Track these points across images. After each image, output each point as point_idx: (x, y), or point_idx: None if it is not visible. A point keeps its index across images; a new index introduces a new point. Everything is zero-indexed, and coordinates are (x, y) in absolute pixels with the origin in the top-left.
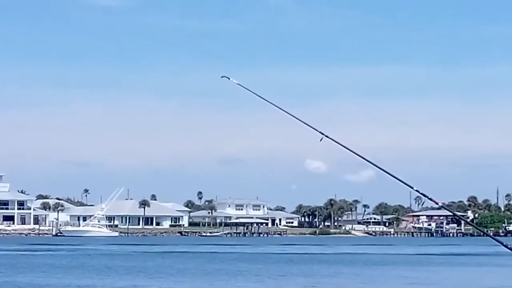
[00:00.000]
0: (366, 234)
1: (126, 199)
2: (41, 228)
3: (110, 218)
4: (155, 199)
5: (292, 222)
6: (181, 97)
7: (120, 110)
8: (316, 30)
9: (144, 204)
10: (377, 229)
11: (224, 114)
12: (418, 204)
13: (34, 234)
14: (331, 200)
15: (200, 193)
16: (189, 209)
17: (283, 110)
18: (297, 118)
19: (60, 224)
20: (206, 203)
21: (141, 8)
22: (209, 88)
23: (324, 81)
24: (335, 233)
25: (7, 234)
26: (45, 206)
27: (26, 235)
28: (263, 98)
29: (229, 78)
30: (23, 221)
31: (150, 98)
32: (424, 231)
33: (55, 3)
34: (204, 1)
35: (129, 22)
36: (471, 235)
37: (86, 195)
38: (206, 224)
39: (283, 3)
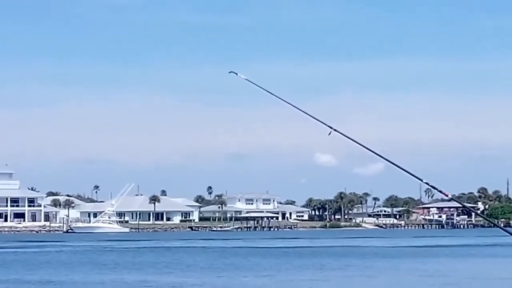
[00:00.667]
0: (376, 227)
1: (136, 195)
2: (51, 225)
3: (120, 214)
4: (165, 195)
5: (302, 216)
6: (189, 93)
7: (130, 106)
8: (319, 24)
9: (154, 199)
10: (388, 222)
11: (232, 109)
12: (428, 196)
13: (45, 231)
14: (341, 193)
15: (210, 188)
16: (199, 204)
17: (291, 104)
18: (305, 112)
19: (70, 221)
20: (216, 198)
21: (146, 4)
22: (217, 83)
23: (327, 75)
24: (345, 226)
25: (18, 231)
26: (55, 203)
27: (37, 232)
28: (271, 93)
29: (237, 74)
30: (33, 218)
31: (159, 94)
32: (434, 223)
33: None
34: None
35: (134, 18)
36: (482, 226)
37: (96, 192)
38: (217, 219)
39: None
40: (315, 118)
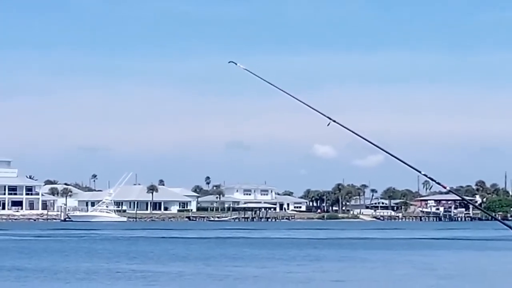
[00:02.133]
0: (374, 219)
1: (134, 184)
2: (49, 213)
3: (118, 203)
4: (163, 184)
5: (300, 207)
6: (187, 83)
7: (129, 95)
8: (320, 16)
9: (152, 189)
10: (385, 214)
11: (231, 99)
12: (426, 189)
13: (43, 219)
14: (339, 184)
15: (208, 178)
16: (197, 194)
17: (290, 95)
18: (304, 103)
19: (68, 210)
20: (214, 188)
21: None
22: (216, 74)
23: (329, 66)
24: (343, 218)
25: (15, 219)
26: (53, 192)
27: (35, 220)
28: (271, 83)
29: (236, 64)
30: (31, 206)
31: (156, 84)
32: (432, 215)
33: None
34: None
35: (132, 7)
36: (479, 219)
37: (94, 181)
38: (214, 209)
39: None
40: (314, 109)
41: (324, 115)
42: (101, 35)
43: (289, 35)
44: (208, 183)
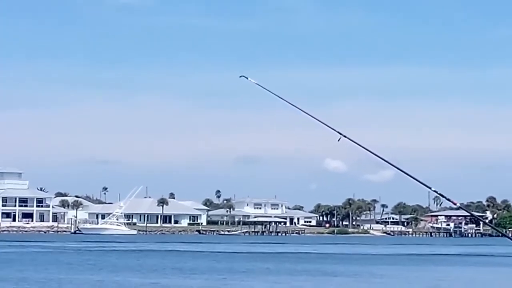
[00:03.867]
0: (384, 234)
1: (145, 197)
2: (59, 225)
3: (128, 216)
4: (174, 198)
5: (310, 222)
6: (199, 96)
7: (139, 109)
8: (332, 30)
9: (162, 202)
10: (396, 229)
11: (242, 113)
12: (437, 204)
13: (53, 231)
14: (349, 199)
15: (218, 191)
16: (208, 208)
17: (301, 110)
18: (315, 118)
19: (78, 222)
20: (225, 201)
21: (157, 7)
22: (228, 88)
23: (340, 81)
24: (353, 233)
25: (26, 231)
26: (63, 204)
27: (45, 232)
28: (281, 98)
29: (247, 78)
30: (42, 218)
31: (168, 97)
32: (442, 231)
33: (72, 1)
34: (220, 1)
35: (145, 21)
36: (490, 235)
37: (104, 193)
38: (224, 223)
39: (299, 3)
40: (325, 124)
41: (335, 130)
42: (114, 47)
43: (300, 50)
44: (218, 197)
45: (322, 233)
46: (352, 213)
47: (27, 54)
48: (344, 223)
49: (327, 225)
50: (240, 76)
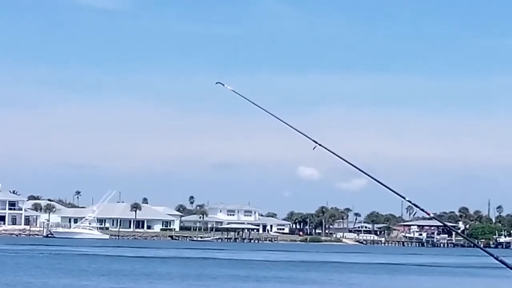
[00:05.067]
0: (357, 243)
1: (118, 202)
2: (32, 229)
3: (101, 221)
4: (147, 203)
5: (283, 229)
6: (175, 101)
7: (115, 113)
8: (313, 37)
9: (135, 207)
10: (368, 238)
11: (218, 119)
12: (410, 214)
13: (25, 235)
14: (322, 207)
15: (192, 197)
16: (181, 214)
17: (276, 117)
18: (290, 126)
19: (51, 226)
20: (198, 207)
21: (138, 11)
22: (203, 93)
23: (320, 88)
24: (326, 241)
25: None
26: (36, 207)
27: (17, 235)
28: (257, 105)
29: (223, 85)
30: (14, 221)
31: (144, 102)
32: (415, 240)
33: (52, 4)
34: (201, 5)
35: (126, 25)
36: (462, 246)
37: (77, 197)
38: (197, 229)
39: (281, 9)
40: (300, 132)
41: (310, 138)
42: (91, 50)
43: (281, 56)
44: (192, 203)
45: (295, 240)
46: (325, 221)
47: (4, 57)
48: (317, 231)
49: (301, 233)
50: (216, 83)
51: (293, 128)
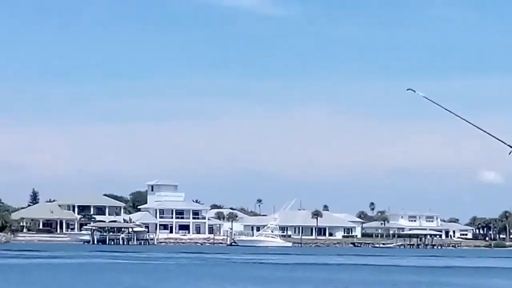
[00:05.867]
0: None
1: (299, 209)
2: (215, 237)
3: (283, 228)
4: (327, 210)
5: (466, 234)
6: (356, 108)
7: (296, 120)
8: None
9: (316, 214)
10: None
11: (397, 124)
12: None
13: (209, 243)
14: (506, 212)
15: (372, 204)
16: (362, 220)
17: (468, 122)
18: (485, 131)
19: (234, 234)
20: (379, 214)
21: (311, 18)
22: (384, 99)
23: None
24: (510, 246)
25: (182, 243)
26: (219, 216)
27: (201, 244)
28: (449, 110)
29: (414, 91)
30: (198, 230)
31: (325, 108)
32: None
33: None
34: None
35: (301, 31)
36: None
37: (259, 205)
38: (379, 235)
39: (453, 13)
40: (494, 137)
41: (506, 144)
42: (270, 60)
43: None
44: (372, 209)
45: (479, 246)
46: (509, 226)
47: (181, 67)
48: (501, 236)
49: (486, 238)
50: (407, 90)
51: (488, 134)
